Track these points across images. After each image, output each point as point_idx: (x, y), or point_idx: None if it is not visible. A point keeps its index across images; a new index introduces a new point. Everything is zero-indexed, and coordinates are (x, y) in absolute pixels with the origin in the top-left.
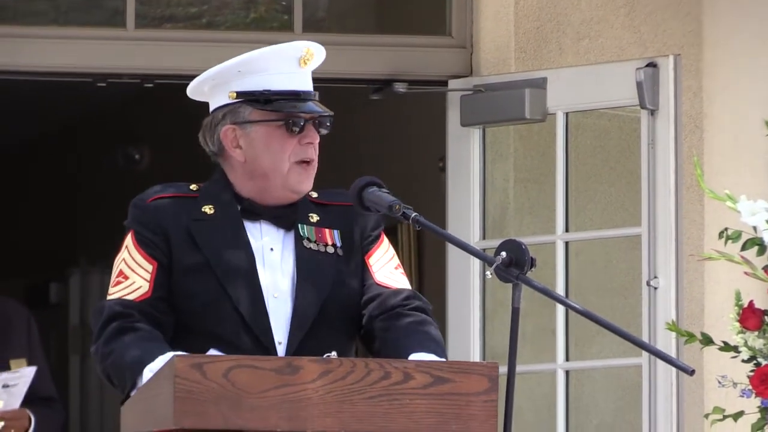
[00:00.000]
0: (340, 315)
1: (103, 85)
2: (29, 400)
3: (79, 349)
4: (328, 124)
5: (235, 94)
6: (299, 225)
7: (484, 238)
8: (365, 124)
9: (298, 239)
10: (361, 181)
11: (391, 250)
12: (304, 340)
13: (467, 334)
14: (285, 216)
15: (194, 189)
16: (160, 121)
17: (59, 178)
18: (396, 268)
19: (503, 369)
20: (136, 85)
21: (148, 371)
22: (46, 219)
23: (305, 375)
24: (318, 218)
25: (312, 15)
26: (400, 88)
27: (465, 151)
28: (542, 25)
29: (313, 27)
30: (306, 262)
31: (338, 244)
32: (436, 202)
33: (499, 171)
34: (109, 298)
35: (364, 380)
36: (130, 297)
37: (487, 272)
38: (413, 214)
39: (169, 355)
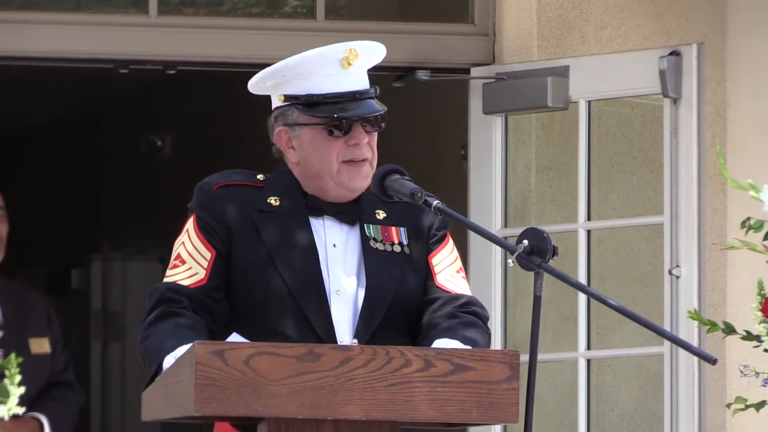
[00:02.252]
0: (404, 315)
1: (126, 71)
2: (49, 384)
3: (100, 335)
4: (381, 122)
5: (283, 98)
6: (365, 225)
7: (505, 226)
8: (387, 112)
9: (365, 239)
10: (383, 168)
11: (455, 253)
12: (368, 340)
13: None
14: (349, 212)
15: (261, 179)
16: (182, 108)
17: (81, 164)
18: (458, 271)
19: (524, 357)
20: (159, 72)
21: (171, 358)
22: (67, 206)
23: (326, 362)
24: (385, 215)
25: (334, 2)
26: (423, 75)
27: (487, 139)
28: (565, 13)
29: (335, 14)
30: (373, 263)
31: (405, 242)
32: (458, 189)
33: (521, 159)
34: (164, 280)
35: (385, 367)
36: (185, 283)
37: (509, 260)
38: (435, 202)
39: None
